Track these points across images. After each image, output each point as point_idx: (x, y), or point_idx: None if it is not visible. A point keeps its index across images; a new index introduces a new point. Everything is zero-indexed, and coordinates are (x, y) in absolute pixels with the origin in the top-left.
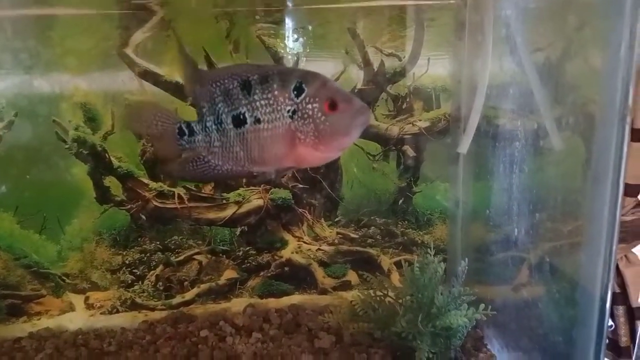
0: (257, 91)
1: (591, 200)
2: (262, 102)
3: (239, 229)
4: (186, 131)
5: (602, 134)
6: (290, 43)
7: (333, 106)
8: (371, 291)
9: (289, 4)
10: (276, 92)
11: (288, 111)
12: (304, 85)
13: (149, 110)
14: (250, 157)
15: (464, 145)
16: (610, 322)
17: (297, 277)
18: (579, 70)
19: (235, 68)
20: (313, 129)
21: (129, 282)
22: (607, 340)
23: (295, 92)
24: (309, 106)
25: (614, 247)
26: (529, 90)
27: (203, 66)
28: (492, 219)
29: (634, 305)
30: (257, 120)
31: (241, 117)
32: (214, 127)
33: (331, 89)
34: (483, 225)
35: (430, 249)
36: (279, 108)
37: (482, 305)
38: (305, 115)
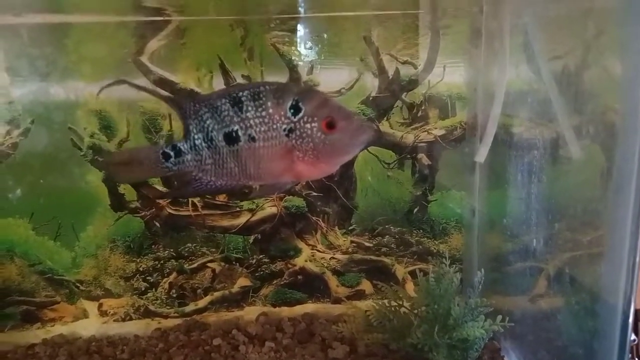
0: (250, 108)
1: (613, 209)
2: (256, 120)
3: (252, 237)
4: (171, 153)
5: (623, 143)
6: (305, 51)
7: (332, 125)
8: (386, 301)
9: (301, 11)
10: (271, 110)
11: (284, 130)
12: (300, 104)
13: (131, 157)
14: (246, 173)
15: (482, 153)
16: (633, 337)
17: (311, 285)
18: (598, 78)
19: (220, 91)
20: (312, 148)
21: (143, 289)
22: None
23: (292, 111)
24: (307, 125)
25: (637, 258)
26: (547, 98)
27: (218, 74)
28: (509, 229)
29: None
30: (252, 139)
31: (234, 134)
32: (204, 144)
33: (329, 107)
34: (500, 234)
35: (446, 259)
36: (274, 127)
37: (499, 317)
38: (304, 135)
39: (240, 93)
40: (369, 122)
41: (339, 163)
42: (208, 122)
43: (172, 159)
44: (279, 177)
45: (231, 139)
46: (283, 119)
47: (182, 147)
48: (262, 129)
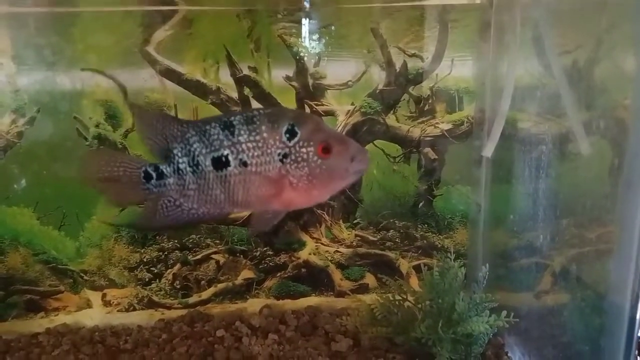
0: (243, 132)
1: (622, 206)
2: (249, 144)
3: None
4: (153, 174)
5: (634, 139)
6: (312, 43)
7: (328, 150)
8: (390, 295)
9: (306, 4)
10: (265, 135)
11: (279, 154)
12: (296, 128)
13: (108, 157)
14: (233, 200)
15: (489, 148)
16: None
17: (315, 278)
18: (609, 74)
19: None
20: (307, 173)
21: (147, 280)
22: None
23: (287, 135)
24: (303, 150)
25: None
26: (556, 93)
27: (224, 65)
28: (515, 224)
29: None
30: (244, 163)
31: (223, 159)
32: (188, 169)
33: (325, 132)
34: (505, 230)
35: (451, 254)
36: (269, 151)
37: (503, 312)
38: (299, 159)
39: (232, 118)
40: (364, 148)
41: (333, 191)
42: (195, 145)
43: (154, 181)
44: (268, 204)
45: (220, 163)
46: (278, 143)
47: (164, 170)
48: (256, 153)
